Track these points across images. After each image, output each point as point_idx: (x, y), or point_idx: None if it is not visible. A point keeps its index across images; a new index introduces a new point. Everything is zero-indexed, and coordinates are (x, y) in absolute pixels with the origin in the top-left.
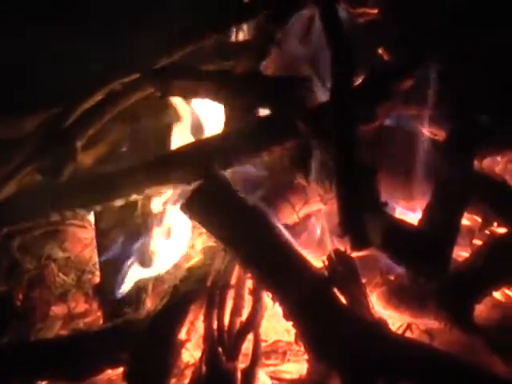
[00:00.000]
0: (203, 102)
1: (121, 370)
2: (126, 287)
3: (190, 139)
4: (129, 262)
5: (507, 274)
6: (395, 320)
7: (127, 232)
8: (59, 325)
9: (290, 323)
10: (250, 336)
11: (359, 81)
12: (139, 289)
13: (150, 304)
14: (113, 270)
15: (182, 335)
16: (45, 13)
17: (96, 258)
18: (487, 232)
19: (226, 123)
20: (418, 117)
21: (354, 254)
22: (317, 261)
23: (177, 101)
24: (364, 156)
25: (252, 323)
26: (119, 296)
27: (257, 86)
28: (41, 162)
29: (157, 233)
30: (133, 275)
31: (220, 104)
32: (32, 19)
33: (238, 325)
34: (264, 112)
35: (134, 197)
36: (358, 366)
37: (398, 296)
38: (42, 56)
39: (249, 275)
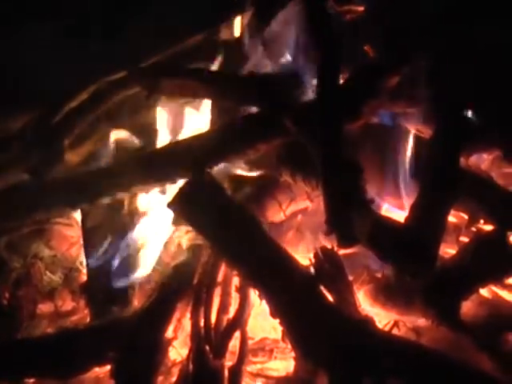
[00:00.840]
0: (190, 100)
1: (108, 368)
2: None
3: (177, 137)
4: (116, 260)
5: (494, 271)
6: (382, 317)
7: (114, 230)
8: (46, 323)
9: (277, 321)
10: (237, 333)
11: (345, 78)
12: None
13: (136, 302)
14: (99, 268)
15: (169, 333)
16: (31, 11)
17: (83, 257)
18: (474, 229)
19: (213, 121)
20: (404, 114)
21: (341, 252)
22: (303, 258)
23: (163, 99)
24: (350, 154)
25: (239, 321)
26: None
27: (244, 84)
28: (27, 161)
29: (143, 230)
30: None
31: (206, 102)
32: (18, 18)
33: (224, 322)
34: (251, 110)
35: (120, 195)
36: (345, 363)
37: (385, 293)
38: (27, 55)
39: (235, 273)
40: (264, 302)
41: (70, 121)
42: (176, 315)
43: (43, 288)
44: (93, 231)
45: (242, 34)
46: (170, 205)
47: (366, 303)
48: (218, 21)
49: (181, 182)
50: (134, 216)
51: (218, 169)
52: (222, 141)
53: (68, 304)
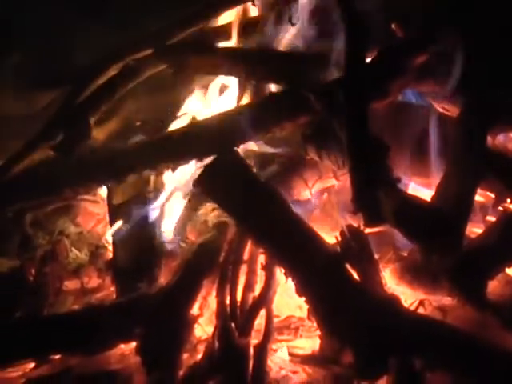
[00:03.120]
0: (216, 77)
1: (133, 344)
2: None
3: (203, 115)
4: None
5: None
6: (408, 296)
7: (140, 207)
8: (72, 300)
9: (303, 299)
10: (263, 311)
11: (372, 57)
12: (152, 264)
13: (162, 279)
14: (125, 245)
15: (195, 310)
16: None
17: (109, 233)
18: (500, 208)
19: (239, 99)
20: (431, 93)
21: (367, 231)
22: (330, 237)
23: (190, 76)
24: (377, 132)
25: (265, 299)
26: None
27: (270, 62)
28: (54, 139)
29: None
30: None
31: (233, 80)
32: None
33: (250, 300)
34: (277, 88)
35: (146, 172)
36: (370, 342)
37: (411, 272)
38: (55, 32)
39: (261, 250)
40: (290, 279)
41: (97, 98)
42: (202, 293)
43: (69, 265)
44: (119, 209)
45: (267, 12)
46: (196, 182)
47: (391, 282)
48: None
49: (207, 160)
50: (160, 193)
51: (244, 147)
52: (248, 119)
53: (94, 281)
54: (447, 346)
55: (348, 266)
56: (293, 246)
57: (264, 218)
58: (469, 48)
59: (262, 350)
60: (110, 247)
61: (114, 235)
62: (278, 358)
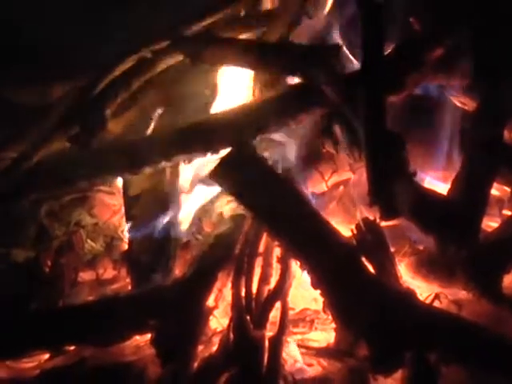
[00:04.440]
0: (232, 69)
1: (148, 336)
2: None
3: (219, 107)
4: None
5: None
6: (423, 290)
7: (156, 199)
8: (87, 291)
9: (318, 292)
10: (278, 304)
11: (389, 50)
12: (167, 255)
13: (178, 271)
14: (141, 237)
15: (210, 302)
16: None
17: (125, 225)
18: None
19: (255, 91)
20: (448, 87)
21: (383, 224)
22: (345, 230)
23: (206, 68)
24: (393, 125)
25: (280, 291)
26: None
27: (286, 54)
28: (70, 130)
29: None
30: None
31: (249, 72)
32: None
33: (265, 293)
34: (293, 80)
35: (163, 164)
36: (385, 335)
37: (427, 266)
38: (70, 24)
39: (277, 243)
40: (305, 272)
41: (113, 90)
42: (217, 285)
43: (85, 256)
44: (135, 200)
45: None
46: (212, 175)
47: (407, 275)
48: None
49: (223, 153)
50: (176, 185)
51: (260, 139)
52: (263, 111)
53: (109, 272)
54: (462, 340)
55: (364, 259)
56: (308, 238)
57: (280, 210)
58: (485, 41)
59: (277, 342)
60: (126, 239)
61: (130, 233)
62: (293, 350)
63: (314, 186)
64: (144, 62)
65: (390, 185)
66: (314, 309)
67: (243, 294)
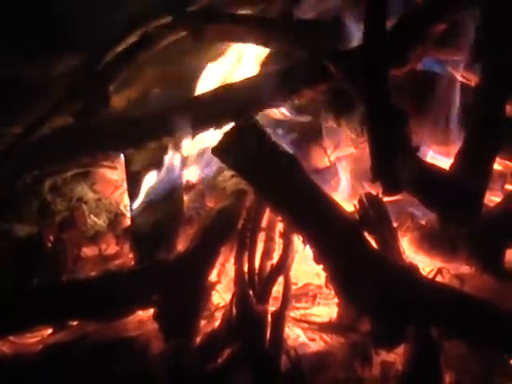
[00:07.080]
0: (235, 45)
1: (151, 311)
2: None
3: (222, 82)
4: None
5: None
6: (426, 264)
7: (157, 174)
8: (90, 266)
9: (321, 266)
10: (281, 279)
11: (392, 25)
12: (170, 230)
13: (180, 246)
14: (143, 212)
15: (213, 277)
16: None
17: (127, 200)
18: None
19: (257, 67)
20: (451, 62)
21: (386, 199)
22: (348, 205)
23: (209, 44)
24: (396, 100)
25: (282, 266)
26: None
27: (289, 30)
28: (73, 105)
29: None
30: None
31: (252, 47)
32: None
33: (268, 268)
34: (296, 55)
35: (165, 139)
36: (388, 310)
37: (430, 241)
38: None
39: (279, 218)
40: (308, 247)
41: (117, 65)
42: (220, 260)
43: (87, 231)
44: (137, 175)
45: None
46: (215, 150)
47: (410, 250)
48: None
49: (226, 128)
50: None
51: (263, 114)
52: (266, 86)
53: (112, 247)
54: (465, 315)
55: (366, 234)
56: (311, 213)
57: (282, 185)
58: (487, 16)
59: (280, 317)
60: (128, 214)
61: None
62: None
63: (317, 161)
64: (148, 37)
65: (392, 160)
66: (317, 284)
67: (246, 268)
